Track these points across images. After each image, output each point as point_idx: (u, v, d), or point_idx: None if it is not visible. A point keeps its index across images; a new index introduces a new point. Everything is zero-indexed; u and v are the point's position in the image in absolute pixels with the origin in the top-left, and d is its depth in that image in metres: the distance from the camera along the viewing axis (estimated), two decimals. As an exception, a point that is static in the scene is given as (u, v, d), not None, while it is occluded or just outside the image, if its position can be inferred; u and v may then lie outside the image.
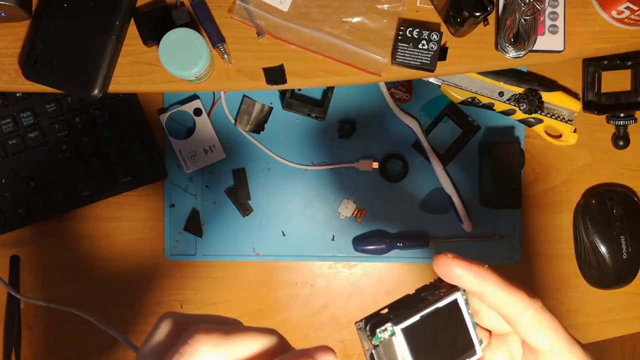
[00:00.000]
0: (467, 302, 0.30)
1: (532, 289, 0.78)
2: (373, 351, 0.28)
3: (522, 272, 0.73)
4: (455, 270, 0.30)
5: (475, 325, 0.31)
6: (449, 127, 0.72)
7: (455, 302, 0.30)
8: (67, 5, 0.55)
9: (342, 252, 0.73)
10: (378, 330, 0.28)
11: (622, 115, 0.70)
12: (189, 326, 0.27)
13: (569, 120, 0.70)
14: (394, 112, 0.71)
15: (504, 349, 0.33)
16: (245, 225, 0.72)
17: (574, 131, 0.71)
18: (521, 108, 0.69)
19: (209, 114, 0.71)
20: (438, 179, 0.71)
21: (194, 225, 0.71)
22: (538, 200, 0.73)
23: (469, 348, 0.30)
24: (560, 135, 0.71)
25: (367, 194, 0.72)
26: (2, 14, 0.53)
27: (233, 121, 0.71)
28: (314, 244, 0.72)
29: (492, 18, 0.58)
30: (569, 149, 0.73)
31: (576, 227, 0.73)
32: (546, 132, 0.71)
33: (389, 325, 0.28)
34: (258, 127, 0.71)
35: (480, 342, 0.30)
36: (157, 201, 0.72)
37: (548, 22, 0.58)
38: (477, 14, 0.52)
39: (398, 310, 0.30)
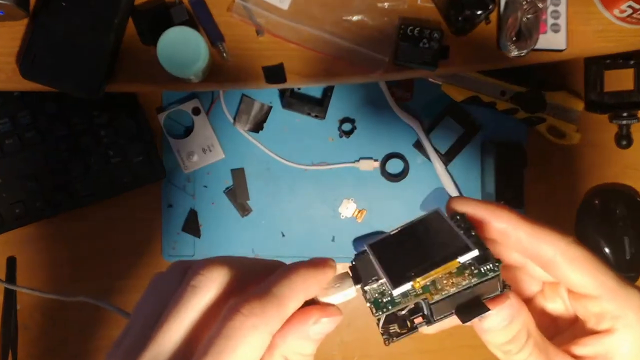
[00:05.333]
0: (465, 218, 0.29)
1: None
2: (354, 264, 0.30)
3: (524, 273, 0.73)
4: (470, 206, 0.28)
5: (475, 233, 0.28)
6: (450, 126, 0.71)
7: (437, 214, 0.29)
8: (65, 4, 0.54)
9: (342, 253, 0.72)
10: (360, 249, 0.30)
11: (625, 114, 0.70)
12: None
13: (571, 119, 0.70)
14: (394, 111, 0.70)
15: (557, 299, 0.30)
16: (244, 225, 0.71)
17: (577, 130, 0.70)
18: (523, 107, 0.68)
19: (207, 113, 0.70)
20: (439, 178, 0.71)
21: (192, 225, 0.71)
22: (540, 200, 0.73)
23: (461, 248, 0.27)
24: (563, 135, 0.71)
25: (367, 194, 0.72)
26: (0, 12, 0.53)
27: (232, 120, 0.70)
28: (314, 245, 0.72)
29: (493, 16, 0.57)
30: (572, 148, 0.72)
31: (579, 228, 0.72)
32: (549, 132, 0.71)
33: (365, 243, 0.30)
34: (257, 127, 0.71)
35: (482, 246, 0.28)
36: (155, 201, 0.71)
37: (550, 21, 0.58)
38: (479, 12, 0.52)
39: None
